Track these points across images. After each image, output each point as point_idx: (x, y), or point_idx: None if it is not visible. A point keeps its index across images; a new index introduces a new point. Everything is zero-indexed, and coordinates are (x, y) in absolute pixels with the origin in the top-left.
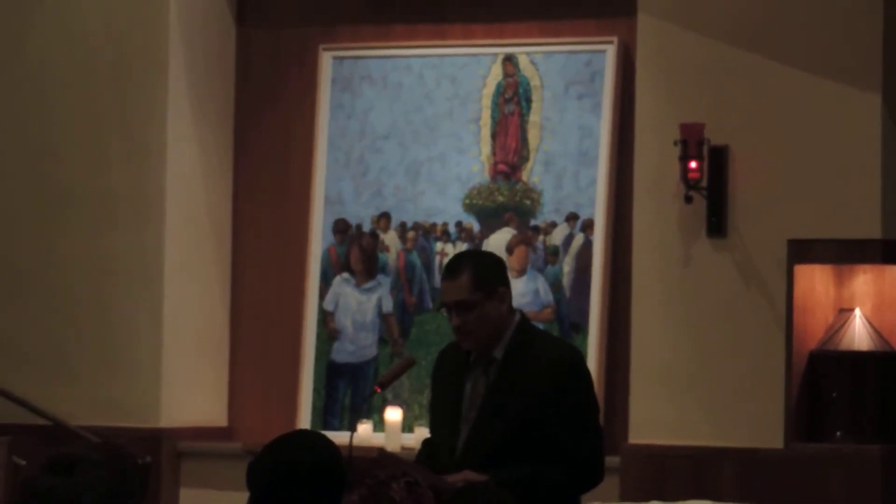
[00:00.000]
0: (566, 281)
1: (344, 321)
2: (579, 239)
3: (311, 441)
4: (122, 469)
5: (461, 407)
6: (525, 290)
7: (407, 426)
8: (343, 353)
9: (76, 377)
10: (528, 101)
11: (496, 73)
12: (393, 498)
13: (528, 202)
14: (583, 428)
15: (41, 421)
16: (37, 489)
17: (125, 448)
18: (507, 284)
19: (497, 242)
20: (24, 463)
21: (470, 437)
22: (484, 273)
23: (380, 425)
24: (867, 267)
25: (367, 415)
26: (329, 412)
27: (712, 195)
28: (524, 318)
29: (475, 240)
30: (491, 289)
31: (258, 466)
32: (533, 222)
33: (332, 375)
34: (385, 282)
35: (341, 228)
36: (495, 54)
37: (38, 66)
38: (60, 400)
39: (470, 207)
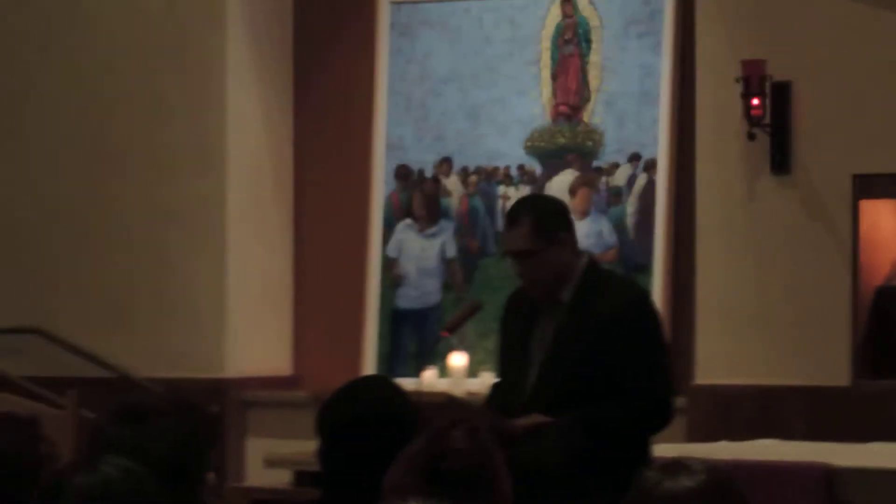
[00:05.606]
0: (629, 221)
1: (407, 267)
2: (642, 179)
3: (381, 388)
4: (192, 418)
5: (530, 350)
6: (588, 232)
7: (472, 371)
8: (407, 299)
9: (138, 328)
10: (588, 41)
11: (555, 14)
12: (454, 446)
13: (589, 143)
14: (651, 368)
15: (107, 374)
16: (107, 437)
17: (194, 398)
18: (569, 229)
19: (559, 185)
20: (93, 416)
21: (539, 380)
22: (544, 220)
23: (445, 371)
24: None
25: (433, 361)
26: (394, 359)
27: (775, 132)
28: (592, 261)
29: (537, 182)
30: (552, 235)
31: (328, 413)
32: (595, 163)
33: (397, 322)
34: (448, 227)
35: (403, 174)
36: None
37: (94, 21)
38: (123, 352)
39: (532, 150)
